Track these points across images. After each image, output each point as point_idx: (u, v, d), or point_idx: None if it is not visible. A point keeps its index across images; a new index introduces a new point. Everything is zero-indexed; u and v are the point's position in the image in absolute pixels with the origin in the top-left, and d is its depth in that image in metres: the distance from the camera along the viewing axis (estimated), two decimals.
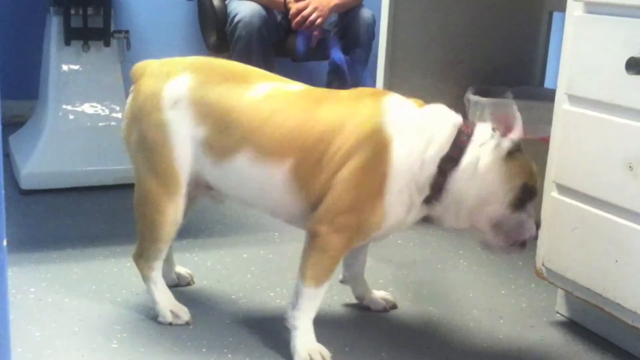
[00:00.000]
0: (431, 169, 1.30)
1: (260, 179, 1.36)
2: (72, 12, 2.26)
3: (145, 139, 1.41)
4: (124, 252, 1.82)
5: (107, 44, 2.32)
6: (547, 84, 2.36)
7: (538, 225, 1.38)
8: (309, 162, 1.31)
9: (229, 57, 2.67)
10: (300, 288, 1.33)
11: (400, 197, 1.30)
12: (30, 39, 2.93)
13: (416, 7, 2.07)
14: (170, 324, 1.47)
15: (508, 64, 2.22)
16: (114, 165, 2.31)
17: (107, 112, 2.36)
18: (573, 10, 1.44)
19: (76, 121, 2.32)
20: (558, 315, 1.61)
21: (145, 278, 1.49)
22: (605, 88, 1.36)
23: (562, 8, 1.49)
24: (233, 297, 1.62)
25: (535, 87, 2.28)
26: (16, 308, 1.51)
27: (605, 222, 1.37)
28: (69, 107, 2.32)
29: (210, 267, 1.77)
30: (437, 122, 1.33)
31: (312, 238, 1.32)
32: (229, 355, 1.37)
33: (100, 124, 2.35)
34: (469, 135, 1.31)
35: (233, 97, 1.37)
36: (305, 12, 2.57)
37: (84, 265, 1.74)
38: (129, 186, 2.30)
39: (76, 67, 2.33)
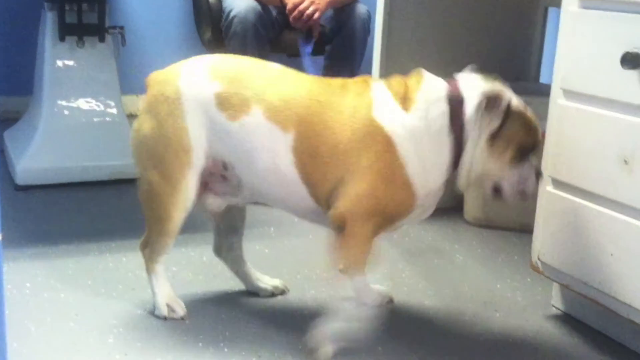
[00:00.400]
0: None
1: (269, 144, 1.36)
2: (67, 7, 2.26)
3: (159, 115, 1.39)
4: (119, 248, 1.82)
5: (102, 39, 2.31)
6: (543, 79, 2.36)
7: (539, 174, 1.42)
8: (309, 142, 1.35)
9: (224, 53, 2.67)
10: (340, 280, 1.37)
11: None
12: (24, 35, 2.92)
13: (412, 2, 2.07)
14: (165, 318, 1.47)
15: (504, 60, 2.22)
16: (109, 160, 2.31)
17: (102, 107, 2.35)
18: (568, 5, 1.44)
19: (71, 117, 2.32)
20: (554, 308, 1.62)
21: (148, 268, 1.49)
22: (600, 83, 1.37)
23: (558, 3, 1.49)
24: (229, 291, 1.62)
25: (530, 82, 2.28)
26: (12, 303, 1.51)
27: (600, 216, 1.38)
28: (64, 103, 2.32)
29: (207, 262, 1.77)
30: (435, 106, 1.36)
31: (341, 230, 1.34)
32: (225, 350, 1.38)
33: (95, 120, 2.34)
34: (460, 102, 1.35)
35: (248, 63, 1.44)
36: (301, 7, 2.57)
37: (80, 261, 1.73)
38: (124, 182, 2.32)
39: (71, 62, 2.32)
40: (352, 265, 1.36)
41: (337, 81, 1.43)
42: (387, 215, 1.35)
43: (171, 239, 1.46)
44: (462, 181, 1.39)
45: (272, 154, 1.36)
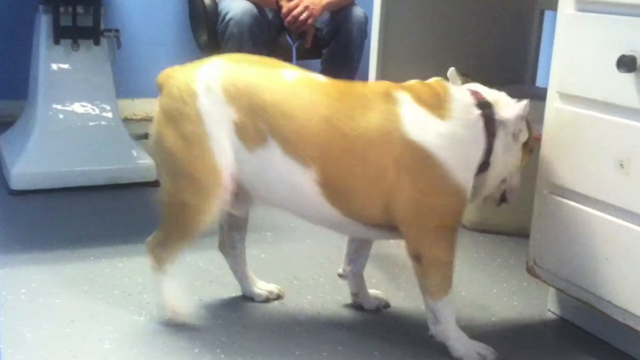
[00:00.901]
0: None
1: (289, 177, 1.32)
2: (62, 10, 2.25)
3: (183, 134, 1.34)
4: (115, 253, 1.81)
5: (97, 42, 2.30)
6: (539, 82, 2.36)
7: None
8: (338, 174, 1.31)
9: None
10: (433, 305, 1.36)
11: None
12: (19, 38, 2.91)
13: (408, 5, 2.07)
14: (169, 320, 1.45)
15: (500, 63, 2.23)
16: (105, 165, 2.30)
17: (97, 111, 2.35)
18: (564, 8, 1.44)
19: (66, 121, 2.31)
20: (550, 313, 1.62)
21: (155, 270, 1.45)
22: (596, 86, 1.37)
23: (554, 6, 1.49)
24: (226, 297, 1.61)
25: (527, 85, 2.28)
26: (7, 309, 1.50)
27: (596, 219, 1.38)
28: (59, 107, 2.31)
29: (203, 268, 1.76)
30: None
31: (419, 259, 1.33)
32: (222, 356, 1.37)
33: (90, 124, 2.33)
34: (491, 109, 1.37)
35: (263, 78, 1.34)
36: (295, 12, 2.57)
37: (75, 266, 1.73)
38: (120, 186, 2.31)
39: (66, 66, 2.31)
40: (443, 289, 1.35)
41: (357, 96, 1.34)
42: (452, 225, 1.35)
43: (189, 244, 1.43)
44: (489, 184, 1.41)
45: (293, 187, 1.33)
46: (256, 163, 1.33)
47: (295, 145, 1.30)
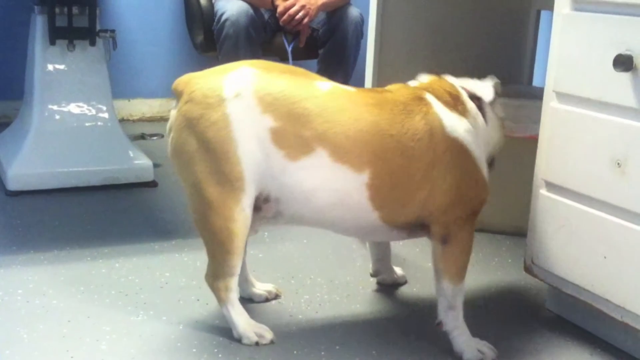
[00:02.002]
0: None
1: (337, 184, 1.32)
2: (57, 11, 2.24)
3: (207, 140, 1.30)
4: (112, 253, 1.81)
5: (92, 43, 2.30)
6: (536, 82, 2.37)
7: None
8: (389, 176, 1.34)
9: (216, 56, 2.67)
10: (451, 289, 1.39)
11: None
12: (14, 39, 2.91)
13: (404, 5, 2.07)
14: (257, 343, 1.39)
15: (496, 63, 2.23)
16: (101, 165, 2.29)
17: (93, 112, 2.34)
18: (560, 8, 1.44)
19: (62, 121, 2.30)
20: (547, 311, 1.62)
21: (222, 302, 1.40)
22: (593, 85, 1.37)
23: (550, 6, 1.50)
24: None
25: (523, 85, 2.29)
26: (3, 310, 1.50)
27: (593, 218, 1.38)
28: (55, 108, 2.30)
29: (200, 267, 1.76)
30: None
31: (445, 243, 1.39)
32: (220, 355, 1.37)
33: (86, 124, 2.33)
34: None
35: (299, 87, 1.33)
36: (292, 11, 2.57)
37: (72, 267, 1.72)
38: (116, 187, 2.31)
39: (62, 66, 2.31)
40: (463, 274, 1.40)
41: (394, 101, 1.37)
42: (477, 212, 1.42)
43: (239, 258, 1.37)
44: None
45: (339, 192, 1.33)
46: (297, 171, 1.31)
47: (347, 152, 1.31)
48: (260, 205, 1.36)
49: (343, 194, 1.33)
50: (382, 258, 1.68)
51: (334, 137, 1.30)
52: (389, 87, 1.47)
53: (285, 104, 1.31)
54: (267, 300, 1.59)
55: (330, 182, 1.32)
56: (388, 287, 1.70)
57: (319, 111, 1.31)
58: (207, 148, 1.30)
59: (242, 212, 1.33)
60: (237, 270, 1.39)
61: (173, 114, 1.38)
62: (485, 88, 1.48)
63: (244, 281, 1.59)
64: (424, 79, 1.48)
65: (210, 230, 1.35)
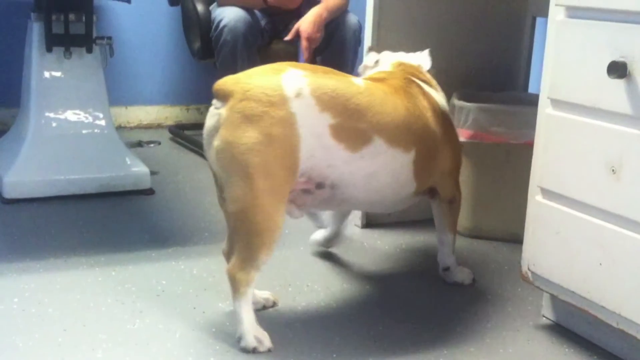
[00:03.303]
0: None
1: (391, 165, 1.52)
2: (54, 18, 2.24)
3: (272, 135, 1.35)
4: (108, 261, 1.81)
5: (89, 50, 2.30)
6: (531, 88, 2.37)
7: None
8: (425, 151, 1.59)
9: (214, 63, 2.67)
10: (451, 238, 1.75)
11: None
12: (11, 46, 2.91)
13: (401, 12, 2.07)
14: (254, 349, 1.39)
15: (492, 69, 2.23)
16: (98, 173, 2.29)
17: (90, 119, 2.34)
18: (555, 15, 1.45)
19: (59, 129, 2.30)
20: (544, 318, 1.62)
21: (238, 295, 1.40)
22: (587, 92, 1.37)
23: (545, 13, 1.50)
24: (220, 304, 1.61)
25: (519, 91, 2.29)
26: None
27: (589, 225, 1.38)
28: (52, 115, 2.30)
29: (197, 275, 1.76)
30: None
31: (451, 202, 1.73)
32: None
33: (83, 132, 2.33)
34: None
35: (345, 85, 1.47)
36: (303, 49, 2.57)
37: (68, 275, 1.72)
38: (113, 194, 2.31)
39: (58, 73, 2.31)
40: (457, 223, 1.77)
41: (401, 87, 1.59)
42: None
43: (271, 252, 1.40)
44: None
45: (393, 172, 1.53)
46: (359, 160, 1.47)
47: (398, 137, 1.51)
48: (313, 190, 1.48)
49: (397, 173, 1.54)
50: (338, 231, 1.88)
51: (386, 126, 1.49)
52: (376, 74, 1.69)
53: (340, 101, 1.44)
54: (264, 308, 1.59)
55: (388, 165, 1.52)
56: (381, 291, 1.70)
57: (367, 105, 1.47)
58: (269, 143, 1.36)
59: (284, 206, 1.41)
60: (263, 265, 1.41)
61: (218, 112, 1.39)
62: (424, 58, 1.76)
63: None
64: (384, 60, 1.76)
65: (252, 221, 1.37)
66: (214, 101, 1.42)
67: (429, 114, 1.60)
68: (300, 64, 1.52)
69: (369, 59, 1.80)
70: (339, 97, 1.43)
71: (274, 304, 1.60)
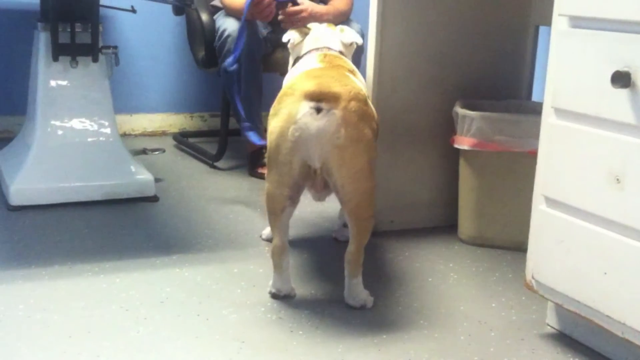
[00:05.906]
0: None
1: None
2: (60, 28, 2.26)
3: (373, 130, 1.63)
4: (112, 268, 1.81)
5: (95, 59, 2.31)
6: (535, 97, 2.37)
7: None
8: None
9: (217, 72, 2.68)
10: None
11: None
12: (17, 55, 2.93)
13: (404, 21, 2.08)
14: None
15: (495, 78, 2.24)
16: (103, 180, 2.30)
17: (95, 127, 2.35)
18: (558, 24, 1.45)
19: (64, 137, 2.31)
20: (548, 327, 1.61)
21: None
22: (591, 101, 1.38)
23: (548, 22, 1.51)
24: (223, 312, 1.61)
25: (522, 100, 2.29)
26: (4, 325, 1.50)
27: (593, 234, 1.38)
28: (58, 123, 2.31)
29: (200, 283, 1.76)
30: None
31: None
32: None
33: (88, 140, 2.34)
34: None
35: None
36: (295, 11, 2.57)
37: (73, 282, 1.72)
38: (118, 202, 2.32)
39: (64, 82, 2.32)
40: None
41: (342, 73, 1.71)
42: None
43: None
44: None
45: None
46: None
47: None
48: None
49: None
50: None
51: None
52: (320, 65, 1.75)
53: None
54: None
55: None
56: (385, 299, 1.70)
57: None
58: (375, 139, 1.64)
59: None
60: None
61: (329, 113, 1.53)
62: (351, 35, 1.92)
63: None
64: (308, 44, 1.88)
65: (373, 203, 1.64)
66: (316, 104, 1.52)
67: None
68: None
69: (293, 36, 1.91)
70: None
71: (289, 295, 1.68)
